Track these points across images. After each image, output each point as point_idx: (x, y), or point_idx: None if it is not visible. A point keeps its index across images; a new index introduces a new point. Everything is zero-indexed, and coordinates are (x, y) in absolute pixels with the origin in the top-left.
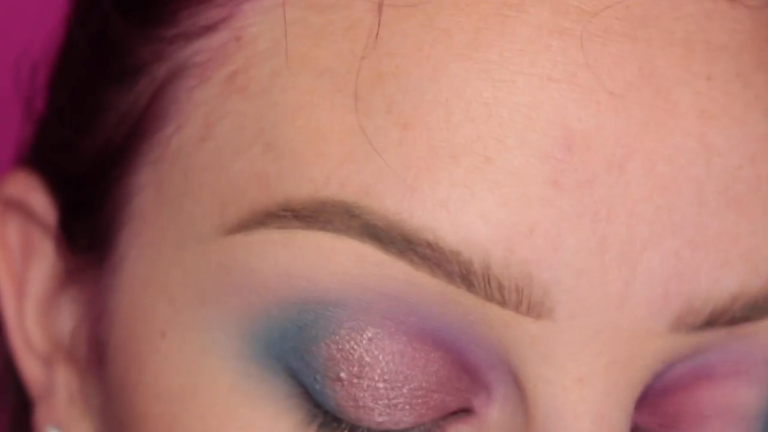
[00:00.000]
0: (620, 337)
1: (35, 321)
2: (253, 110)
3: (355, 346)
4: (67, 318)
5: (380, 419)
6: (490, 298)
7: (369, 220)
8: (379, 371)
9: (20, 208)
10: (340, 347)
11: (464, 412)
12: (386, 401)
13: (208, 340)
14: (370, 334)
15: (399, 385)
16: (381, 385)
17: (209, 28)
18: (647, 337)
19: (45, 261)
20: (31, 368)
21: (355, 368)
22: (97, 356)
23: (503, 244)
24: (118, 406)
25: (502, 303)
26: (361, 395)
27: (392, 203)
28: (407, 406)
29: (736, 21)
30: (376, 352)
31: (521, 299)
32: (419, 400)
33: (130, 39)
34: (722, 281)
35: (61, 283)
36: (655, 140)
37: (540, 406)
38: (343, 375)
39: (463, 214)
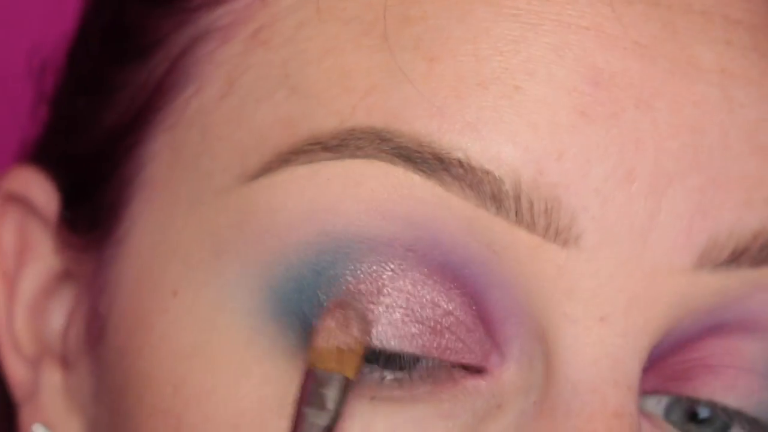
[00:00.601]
0: (643, 272)
1: (25, 323)
2: (277, 59)
3: (376, 277)
4: (58, 318)
5: (393, 341)
6: (519, 221)
7: (401, 142)
8: (396, 297)
9: (20, 203)
10: (360, 279)
11: (477, 370)
12: (401, 325)
13: (224, 296)
14: (392, 266)
15: (416, 310)
16: (397, 310)
17: None
18: (670, 273)
19: (40, 261)
20: (17, 369)
21: (374, 295)
22: (95, 334)
23: (533, 166)
24: (117, 375)
25: (531, 227)
26: (376, 318)
27: (422, 125)
28: (421, 335)
29: (752, 3)
30: (398, 282)
31: (549, 222)
32: (432, 331)
33: (149, 17)
34: (744, 219)
35: (54, 282)
36: (680, 86)
37: (560, 348)
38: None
39: (493, 135)
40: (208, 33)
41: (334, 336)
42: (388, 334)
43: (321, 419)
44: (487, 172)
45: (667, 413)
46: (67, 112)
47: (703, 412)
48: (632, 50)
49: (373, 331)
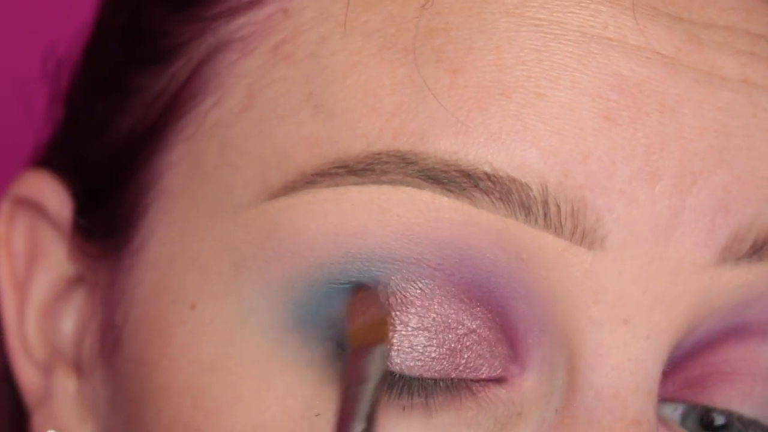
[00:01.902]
0: (665, 271)
1: (36, 328)
2: (300, 75)
3: (404, 293)
4: (70, 323)
5: (411, 363)
6: (547, 225)
7: (427, 164)
8: (422, 318)
9: (32, 208)
10: (387, 293)
11: (497, 380)
12: (424, 347)
13: (244, 310)
14: (420, 285)
15: (439, 333)
16: (421, 333)
17: (255, 3)
18: (692, 271)
19: (51, 266)
20: (28, 375)
21: (401, 311)
22: (110, 342)
23: (558, 169)
24: (134, 386)
25: (558, 230)
26: (400, 341)
27: (447, 144)
28: (440, 359)
29: None
30: (425, 301)
31: (576, 225)
32: (452, 352)
33: (169, 21)
34: (766, 213)
35: (66, 287)
36: (704, 93)
37: (585, 353)
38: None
39: (517, 142)
40: (229, 43)
41: (361, 315)
42: (409, 357)
43: (365, 391)
44: (514, 180)
45: (684, 420)
46: (82, 115)
47: (719, 419)
48: (655, 60)
49: (394, 355)
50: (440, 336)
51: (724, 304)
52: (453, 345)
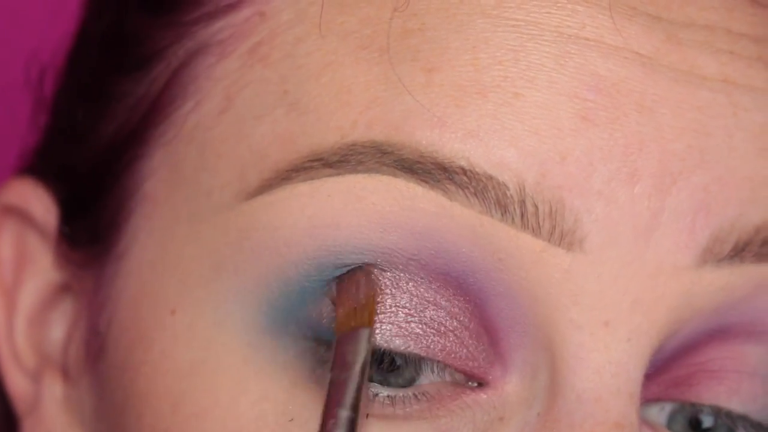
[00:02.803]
0: (646, 273)
1: (25, 335)
2: (276, 76)
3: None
4: (58, 331)
5: (398, 341)
6: (524, 225)
7: (402, 154)
8: (399, 298)
9: (18, 216)
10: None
11: (480, 385)
12: (404, 324)
13: (222, 314)
14: (391, 274)
15: (420, 311)
16: (400, 310)
17: (233, 6)
18: (673, 273)
19: (39, 274)
20: (17, 383)
21: (377, 295)
22: (95, 349)
23: (536, 169)
24: (117, 392)
25: (536, 230)
26: (381, 317)
27: (423, 136)
28: (425, 335)
29: (757, 16)
30: (401, 284)
31: (554, 226)
32: (436, 332)
33: (148, 27)
34: (748, 215)
35: (54, 294)
36: (684, 93)
37: (566, 356)
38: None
39: (495, 141)
40: (207, 47)
41: (346, 301)
42: (392, 332)
43: (350, 377)
44: (491, 178)
45: (670, 422)
46: (65, 122)
47: (707, 421)
48: (633, 60)
49: (377, 330)
50: (421, 314)
51: (706, 306)
52: (436, 326)
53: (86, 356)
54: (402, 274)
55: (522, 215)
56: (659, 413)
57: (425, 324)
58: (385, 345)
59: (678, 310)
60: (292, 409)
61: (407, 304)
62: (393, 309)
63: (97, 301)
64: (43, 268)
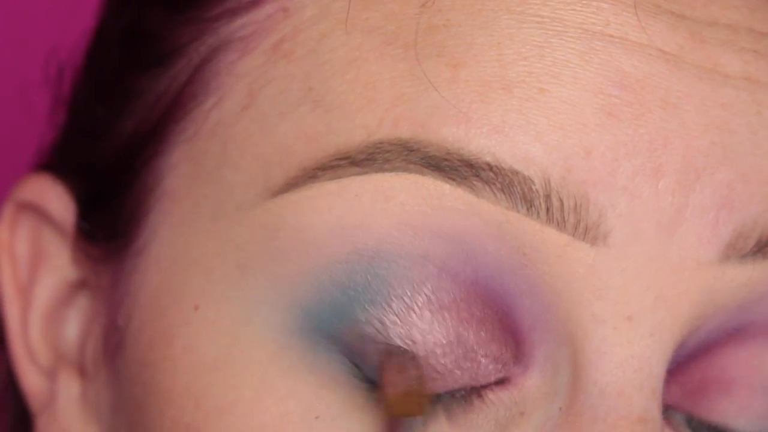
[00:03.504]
0: (669, 268)
1: (40, 332)
2: (300, 72)
3: (410, 303)
4: (74, 327)
5: (431, 384)
6: (549, 219)
7: (428, 152)
8: (431, 334)
9: (35, 212)
10: (392, 304)
11: (501, 381)
12: (435, 364)
13: (249, 311)
14: (426, 290)
15: (449, 348)
16: (434, 348)
17: (255, 2)
18: (696, 268)
19: (55, 271)
20: (32, 380)
21: (408, 332)
22: (113, 345)
23: (561, 164)
24: (137, 388)
25: (561, 225)
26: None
27: (449, 132)
28: (456, 370)
29: None
30: (430, 315)
31: (579, 220)
32: (468, 364)
33: (169, 23)
34: None
35: (70, 291)
36: (707, 90)
37: (588, 350)
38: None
39: (520, 136)
40: (229, 43)
41: (397, 383)
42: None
43: None
44: (517, 173)
45: (689, 420)
46: (84, 119)
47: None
48: (658, 57)
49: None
50: (453, 350)
51: (729, 302)
52: (461, 352)
53: (104, 352)
54: (434, 292)
55: (547, 210)
56: (679, 415)
57: (458, 360)
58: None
59: (701, 305)
60: (318, 407)
61: (443, 339)
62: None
63: (115, 296)
64: (59, 265)
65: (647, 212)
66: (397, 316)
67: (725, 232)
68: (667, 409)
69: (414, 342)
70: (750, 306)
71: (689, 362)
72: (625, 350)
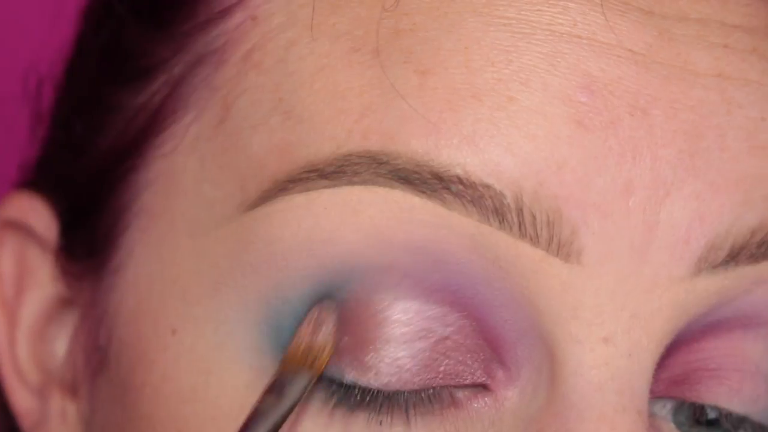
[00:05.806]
0: (642, 287)
1: (28, 351)
2: (270, 83)
3: (370, 310)
4: (61, 344)
5: (386, 380)
6: (523, 234)
7: (398, 164)
8: (390, 330)
9: (19, 230)
10: (352, 311)
11: (479, 386)
12: (394, 360)
13: (222, 335)
14: (383, 295)
15: (409, 344)
16: (391, 345)
17: (225, 12)
18: (669, 285)
19: (40, 288)
20: (22, 399)
21: (366, 330)
22: (96, 364)
23: (533, 178)
24: (118, 410)
25: (534, 240)
26: (369, 357)
27: (418, 144)
28: (415, 368)
29: (751, 7)
30: (389, 313)
31: (552, 235)
32: (429, 362)
33: (146, 40)
34: (743, 218)
35: (57, 308)
36: (676, 92)
37: (565, 372)
38: (349, 338)
39: (491, 147)
40: (205, 56)
41: (304, 337)
42: (384, 372)
43: (276, 407)
44: (488, 186)
45: (675, 414)
46: (63, 134)
47: (712, 413)
48: (626, 58)
49: (372, 371)
50: (412, 345)
51: (701, 310)
52: (428, 354)
53: (87, 369)
54: (394, 297)
55: (520, 224)
56: (663, 407)
57: (416, 356)
58: (377, 386)
59: (675, 319)
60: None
61: (399, 338)
62: (386, 343)
63: (94, 314)
64: (44, 282)
65: (619, 231)
66: (353, 318)
67: (697, 247)
68: (653, 401)
69: (368, 340)
70: (720, 308)
71: (669, 359)
72: (603, 372)
